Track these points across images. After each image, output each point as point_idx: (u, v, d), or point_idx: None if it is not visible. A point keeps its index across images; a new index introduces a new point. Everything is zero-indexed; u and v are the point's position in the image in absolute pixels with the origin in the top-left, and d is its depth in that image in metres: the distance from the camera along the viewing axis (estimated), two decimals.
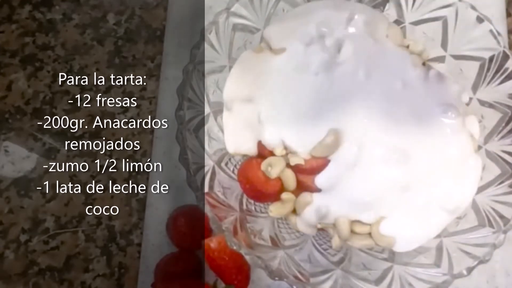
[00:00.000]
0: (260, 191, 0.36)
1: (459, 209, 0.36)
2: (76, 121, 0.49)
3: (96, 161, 0.48)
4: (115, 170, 0.48)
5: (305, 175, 0.36)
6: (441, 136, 0.37)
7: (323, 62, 0.37)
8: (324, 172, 0.36)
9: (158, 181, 0.46)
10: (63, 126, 0.49)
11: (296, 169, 0.37)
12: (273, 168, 0.36)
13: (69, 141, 0.49)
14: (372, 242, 0.36)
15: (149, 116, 0.49)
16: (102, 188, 0.47)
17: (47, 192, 0.47)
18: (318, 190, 0.37)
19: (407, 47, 0.40)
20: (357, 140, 0.36)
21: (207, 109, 0.38)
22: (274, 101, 0.38)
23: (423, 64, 0.39)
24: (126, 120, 0.49)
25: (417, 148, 0.36)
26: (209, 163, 0.37)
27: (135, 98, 0.50)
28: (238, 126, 0.38)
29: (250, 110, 0.38)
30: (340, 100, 0.37)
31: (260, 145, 0.38)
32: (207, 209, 0.33)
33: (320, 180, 0.36)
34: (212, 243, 0.39)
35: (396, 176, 0.36)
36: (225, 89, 0.39)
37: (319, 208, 0.36)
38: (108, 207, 0.47)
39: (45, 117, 0.49)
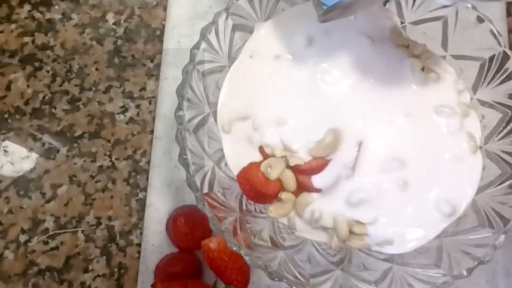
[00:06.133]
0: (260, 192, 0.36)
1: (458, 209, 0.36)
2: (76, 121, 0.49)
3: (96, 161, 0.48)
4: (115, 170, 0.48)
5: (305, 176, 0.36)
6: (439, 137, 0.37)
7: (320, 64, 0.37)
8: (324, 172, 0.36)
9: (158, 181, 0.46)
10: (62, 126, 0.49)
11: (296, 169, 0.37)
12: (273, 169, 0.36)
13: (69, 141, 0.49)
14: (371, 243, 0.36)
15: (149, 116, 0.49)
16: (102, 188, 0.47)
17: (46, 192, 0.47)
18: (318, 191, 0.37)
19: (407, 47, 0.40)
20: (356, 140, 0.36)
21: (206, 109, 0.38)
22: (272, 103, 0.38)
23: (422, 69, 0.39)
24: (126, 120, 0.49)
25: (415, 149, 0.36)
26: (208, 163, 0.37)
27: (135, 98, 0.50)
28: (240, 145, 0.38)
29: (248, 124, 0.38)
30: (339, 100, 0.37)
31: (260, 148, 0.38)
32: (207, 210, 0.33)
33: (319, 180, 0.36)
34: (211, 243, 0.39)
35: (395, 177, 0.36)
36: (219, 114, 0.39)
37: (318, 208, 0.36)
38: (108, 207, 0.47)
39: (44, 117, 0.49)
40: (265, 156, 0.38)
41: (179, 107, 0.35)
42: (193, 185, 0.34)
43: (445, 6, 0.39)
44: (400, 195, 0.36)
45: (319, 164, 0.36)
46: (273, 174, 0.36)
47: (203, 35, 0.37)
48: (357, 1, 0.30)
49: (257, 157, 0.38)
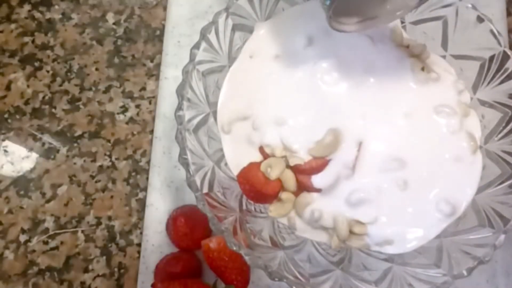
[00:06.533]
0: (260, 192, 0.36)
1: (458, 209, 0.36)
2: (76, 121, 0.49)
3: (96, 161, 0.48)
4: (115, 170, 0.48)
5: (305, 176, 0.36)
6: (439, 137, 0.37)
7: (320, 64, 0.37)
8: (324, 172, 0.36)
9: (158, 181, 0.46)
10: (62, 126, 0.49)
11: (296, 169, 0.37)
12: (273, 169, 0.36)
13: (69, 141, 0.49)
14: (371, 243, 0.36)
15: (149, 116, 0.49)
16: (102, 188, 0.47)
17: (46, 192, 0.47)
18: (318, 191, 0.37)
19: (407, 47, 0.40)
20: (356, 140, 0.36)
21: (206, 109, 0.38)
22: (272, 103, 0.38)
23: (422, 68, 0.39)
24: (126, 120, 0.49)
25: (414, 149, 0.36)
26: (208, 163, 0.37)
27: (135, 98, 0.50)
28: (240, 145, 0.38)
29: (248, 124, 0.38)
30: (339, 100, 0.37)
31: (260, 149, 0.38)
32: (207, 210, 0.33)
33: (319, 180, 0.36)
34: (211, 243, 0.39)
35: (394, 177, 0.36)
36: (219, 114, 0.39)
37: (318, 208, 0.36)
38: (108, 207, 0.47)
39: (44, 117, 0.49)
40: (265, 156, 0.38)
41: (179, 107, 0.35)
42: (193, 185, 0.34)
43: (445, 6, 0.39)
44: (400, 195, 0.36)
45: (319, 164, 0.36)
46: (273, 174, 0.36)
47: (203, 35, 0.37)
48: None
49: (257, 157, 0.38)
